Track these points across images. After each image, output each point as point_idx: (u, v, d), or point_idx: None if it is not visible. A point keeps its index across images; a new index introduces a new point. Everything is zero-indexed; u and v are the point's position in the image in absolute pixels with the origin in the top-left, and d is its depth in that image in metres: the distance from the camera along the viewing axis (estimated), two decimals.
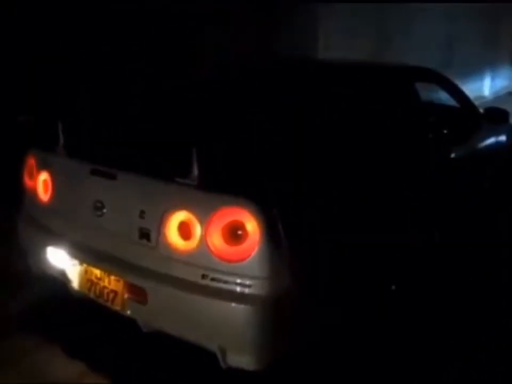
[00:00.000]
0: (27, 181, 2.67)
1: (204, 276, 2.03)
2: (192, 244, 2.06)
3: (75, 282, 2.45)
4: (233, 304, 1.96)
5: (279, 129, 2.34)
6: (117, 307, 2.28)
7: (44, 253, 2.54)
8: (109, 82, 2.67)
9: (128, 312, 2.25)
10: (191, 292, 2.04)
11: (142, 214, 2.17)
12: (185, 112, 2.27)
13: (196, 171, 2.03)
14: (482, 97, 9.52)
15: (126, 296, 2.23)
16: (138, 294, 2.19)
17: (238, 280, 1.98)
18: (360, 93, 2.76)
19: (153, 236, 2.14)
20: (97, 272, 2.34)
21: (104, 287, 2.33)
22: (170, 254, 2.11)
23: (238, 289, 1.97)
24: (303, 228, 2.06)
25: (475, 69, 9.56)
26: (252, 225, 1.95)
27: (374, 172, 2.52)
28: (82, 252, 2.40)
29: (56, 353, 2.58)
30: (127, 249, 2.24)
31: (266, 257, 1.95)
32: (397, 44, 7.35)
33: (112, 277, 2.28)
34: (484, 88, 10.26)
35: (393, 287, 2.64)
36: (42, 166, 2.60)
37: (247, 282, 1.96)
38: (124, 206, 2.24)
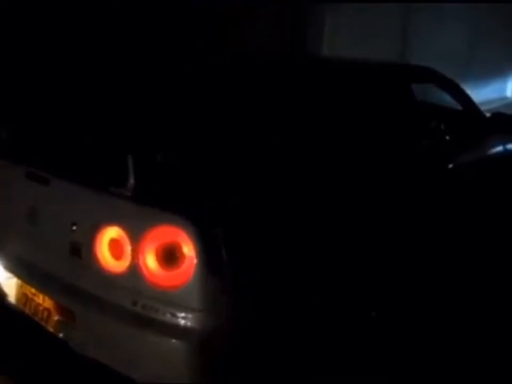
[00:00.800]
0: None
1: (134, 302, 1.76)
2: (124, 264, 1.79)
3: (11, 296, 2.22)
4: (163, 338, 1.70)
5: (236, 136, 2.04)
6: (50, 328, 2.04)
7: None
8: (49, 82, 2.44)
9: (60, 334, 2.01)
10: (120, 319, 1.78)
11: (73, 226, 1.91)
12: (129, 113, 2.02)
13: (131, 181, 1.77)
14: (505, 97, 9.09)
15: (56, 317, 1.99)
16: (67, 316, 1.95)
17: (170, 310, 1.71)
18: (341, 93, 2.44)
19: (84, 252, 1.89)
20: (31, 287, 2.11)
21: (39, 304, 2.10)
22: (101, 274, 1.85)
23: (170, 320, 1.71)
24: (250, 253, 1.78)
25: (499, 69, 9.12)
26: (188, 248, 1.68)
27: (346, 186, 2.21)
28: (16, 264, 2.17)
29: None
30: (58, 264, 1.99)
31: (202, 286, 1.68)
32: (420, 43, 6.98)
33: (45, 295, 2.05)
34: (507, 88, 9.80)
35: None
36: None
37: (180, 313, 1.70)
38: (56, 216, 1.99)
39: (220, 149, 1.92)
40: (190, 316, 1.69)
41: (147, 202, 1.77)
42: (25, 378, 2.27)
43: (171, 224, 1.71)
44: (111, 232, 1.82)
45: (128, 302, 1.78)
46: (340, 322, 2.12)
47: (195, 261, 1.68)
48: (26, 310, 2.15)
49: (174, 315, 1.70)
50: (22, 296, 2.17)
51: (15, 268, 2.16)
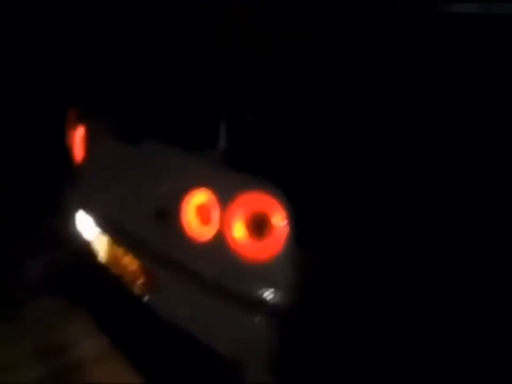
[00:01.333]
0: (67, 135, 2.47)
1: (218, 273, 1.66)
2: (210, 232, 1.69)
3: (101, 255, 2.22)
4: (243, 312, 1.59)
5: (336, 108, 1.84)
6: (136, 291, 2.01)
7: (74, 216, 2.34)
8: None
9: (144, 298, 1.97)
10: (201, 288, 1.69)
11: (161, 190, 1.84)
12: (218, 73, 1.88)
13: (222, 143, 1.66)
14: None
15: (141, 280, 1.95)
16: (151, 280, 1.89)
17: (255, 283, 1.59)
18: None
19: (170, 216, 1.81)
20: (121, 248, 2.09)
21: (126, 265, 2.07)
22: (186, 241, 1.77)
23: (253, 294, 1.59)
24: (343, 230, 1.60)
25: None
26: (279, 218, 1.54)
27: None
28: (107, 223, 2.15)
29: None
30: (145, 228, 1.94)
31: (291, 261, 1.54)
32: None
33: (132, 257, 2.01)
34: None
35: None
36: (81, 120, 2.37)
37: (264, 287, 1.57)
38: (145, 179, 1.93)
39: (314, 110, 1.74)
40: (275, 291, 1.55)
41: (238, 167, 1.65)
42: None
43: (262, 191, 1.57)
44: (199, 197, 1.72)
45: (211, 272, 1.68)
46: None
47: (286, 232, 1.54)
48: (115, 271, 2.14)
49: (258, 289, 1.58)
50: (110, 255, 2.16)
51: (106, 226, 2.14)
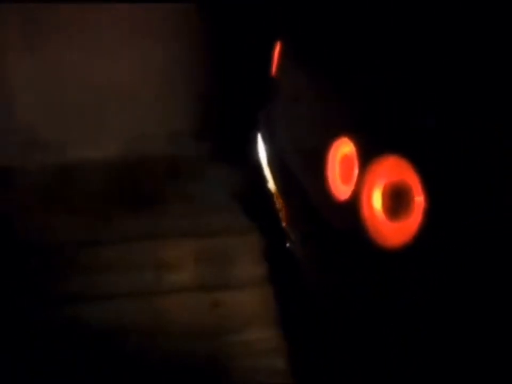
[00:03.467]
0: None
1: (344, 246, 1.36)
2: (346, 193, 1.37)
3: (270, 184, 2.10)
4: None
5: None
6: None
7: (257, 139, 2.27)
8: None
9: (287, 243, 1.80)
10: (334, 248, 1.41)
11: (316, 135, 1.57)
12: None
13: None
14: None
15: (284, 224, 1.78)
16: (293, 225, 1.71)
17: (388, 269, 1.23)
18: None
19: (318, 165, 1.53)
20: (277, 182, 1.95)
21: (280, 202, 1.93)
22: (326, 196, 1.48)
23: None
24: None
25: None
26: (418, 193, 1.14)
27: None
28: (269, 155, 2.01)
29: None
30: (300, 171, 1.71)
31: (429, 247, 1.13)
32: None
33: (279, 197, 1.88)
34: None
35: None
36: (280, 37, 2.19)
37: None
38: (306, 123, 1.68)
39: None
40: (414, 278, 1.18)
41: (382, 124, 1.26)
42: None
43: (401, 157, 1.17)
44: (343, 147, 1.40)
45: (339, 242, 1.38)
46: None
47: (424, 211, 1.13)
48: (277, 204, 2.00)
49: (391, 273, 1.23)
50: (273, 188, 2.04)
51: (275, 160, 2.01)
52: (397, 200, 1.20)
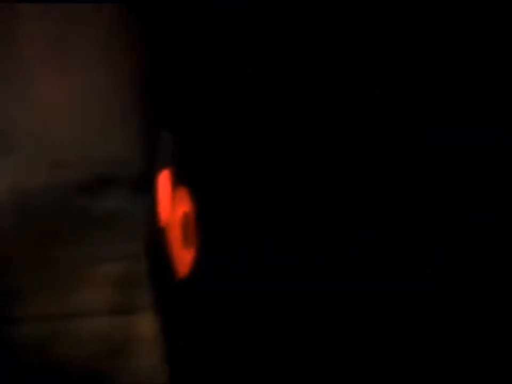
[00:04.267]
0: None
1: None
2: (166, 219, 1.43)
3: None
4: None
5: None
6: None
7: None
8: None
9: None
10: None
11: None
12: None
13: None
14: None
15: None
16: None
17: None
18: None
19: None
20: None
21: None
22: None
23: None
24: None
25: None
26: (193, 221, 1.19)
27: None
28: None
29: None
30: None
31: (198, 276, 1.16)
32: None
33: None
34: None
35: None
36: None
37: None
38: None
39: None
40: None
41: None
42: None
43: (187, 187, 1.23)
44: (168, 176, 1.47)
45: None
46: None
47: (197, 240, 1.16)
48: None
49: None
50: None
51: None
52: (187, 230, 1.27)
